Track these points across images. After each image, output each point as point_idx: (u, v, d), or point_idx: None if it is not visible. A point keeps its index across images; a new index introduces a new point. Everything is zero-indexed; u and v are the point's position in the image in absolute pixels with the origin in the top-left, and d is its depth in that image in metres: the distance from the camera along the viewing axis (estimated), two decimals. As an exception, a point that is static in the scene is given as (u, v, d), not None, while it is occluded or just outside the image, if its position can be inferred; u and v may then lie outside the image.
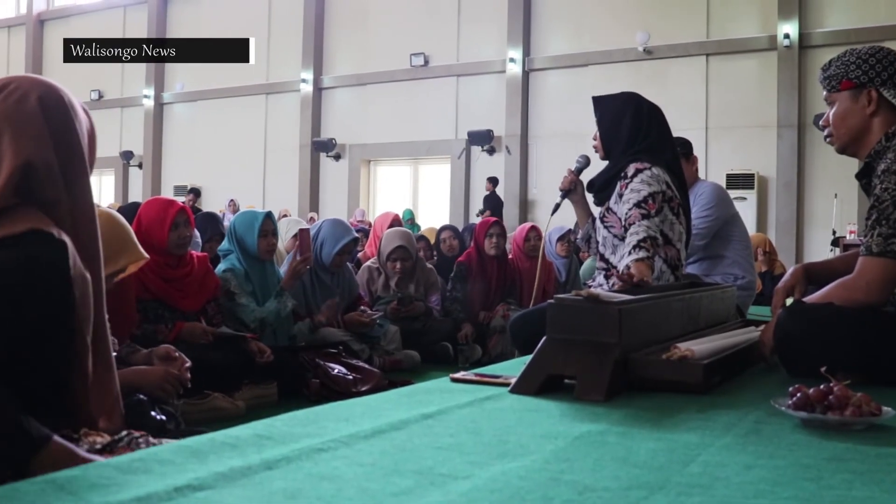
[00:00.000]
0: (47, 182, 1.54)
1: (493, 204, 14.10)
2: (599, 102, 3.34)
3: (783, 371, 2.33)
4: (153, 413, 2.44)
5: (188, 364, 2.67)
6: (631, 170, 3.07)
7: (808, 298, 2.42)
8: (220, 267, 4.56)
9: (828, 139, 2.59)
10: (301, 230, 4.89)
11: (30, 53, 21.64)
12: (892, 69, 2.42)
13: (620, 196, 3.08)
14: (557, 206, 3.47)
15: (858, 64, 2.44)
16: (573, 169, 3.46)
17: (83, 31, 20.61)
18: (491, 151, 15.01)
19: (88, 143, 1.66)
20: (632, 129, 3.19)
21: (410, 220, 12.89)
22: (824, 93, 2.55)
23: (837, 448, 1.50)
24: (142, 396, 2.41)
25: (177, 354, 2.68)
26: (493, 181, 14.49)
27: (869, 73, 2.43)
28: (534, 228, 6.33)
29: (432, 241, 7.98)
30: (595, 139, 3.32)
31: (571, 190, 3.42)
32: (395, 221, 6.89)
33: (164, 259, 3.98)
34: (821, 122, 2.62)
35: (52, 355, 1.50)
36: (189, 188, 17.04)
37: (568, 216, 3.54)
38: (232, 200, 15.51)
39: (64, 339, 1.51)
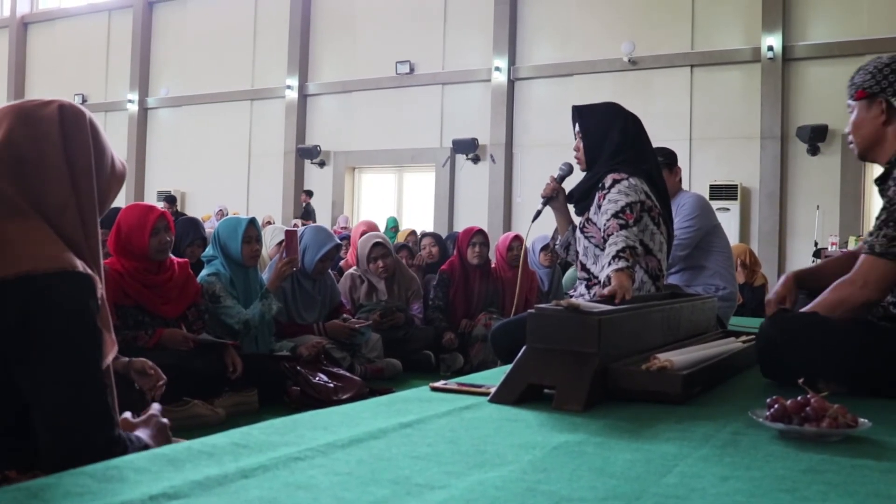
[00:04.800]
0: (52, 181, 1.54)
1: (306, 214, 14.98)
2: (582, 113, 3.32)
3: (762, 382, 2.34)
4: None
5: (163, 381, 2.66)
6: (608, 180, 3.08)
7: (809, 305, 2.43)
8: (205, 272, 4.54)
9: (850, 146, 2.61)
10: (287, 231, 4.89)
11: (13, 56, 21.49)
12: None
13: (599, 206, 3.08)
14: (538, 213, 3.48)
15: (873, 74, 2.47)
16: (556, 176, 3.46)
17: (68, 35, 20.55)
18: (475, 160, 15.02)
19: (96, 148, 1.66)
20: (619, 141, 3.19)
21: (394, 227, 12.86)
22: (848, 101, 2.58)
23: (813, 459, 1.51)
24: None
25: (152, 371, 2.66)
26: (309, 193, 15.70)
27: (882, 83, 2.45)
28: (517, 237, 6.33)
29: (402, 239, 7.99)
30: (576, 150, 3.30)
31: (553, 197, 3.42)
32: (370, 228, 6.87)
33: (145, 265, 3.95)
34: (845, 129, 2.64)
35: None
36: (165, 196, 16.78)
37: (548, 223, 3.54)
38: (220, 210, 15.42)
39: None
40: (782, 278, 2.73)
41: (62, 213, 1.54)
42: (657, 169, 3.25)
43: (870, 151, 2.54)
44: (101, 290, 1.54)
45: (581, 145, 3.28)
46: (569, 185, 3.41)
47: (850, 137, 2.58)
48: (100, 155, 1.64)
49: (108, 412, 1.51)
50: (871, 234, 2.37)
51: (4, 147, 1.53)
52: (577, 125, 3.31)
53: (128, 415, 1.72)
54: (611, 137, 3.20)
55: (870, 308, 2.37)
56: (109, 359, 1.55)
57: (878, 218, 2.36)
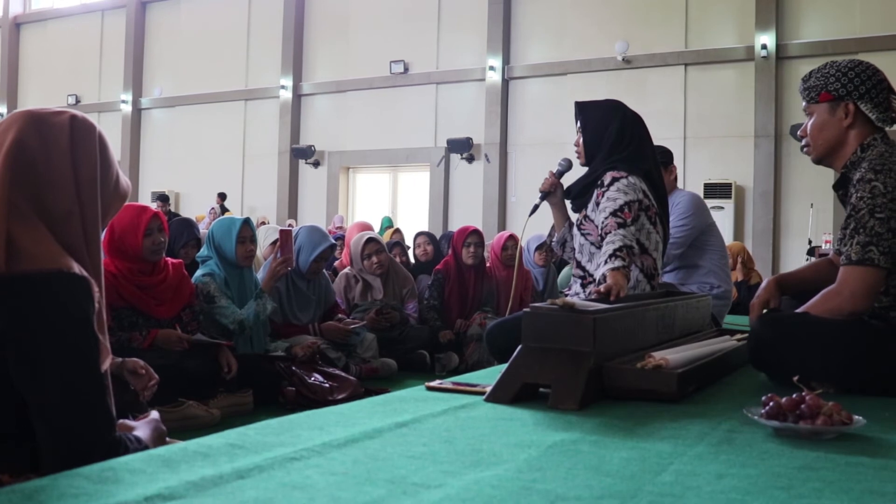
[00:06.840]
0: (58, 188, 1.54)
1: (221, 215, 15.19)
2: (584, 108, 3.33)
3: (757, 380, 2.34)
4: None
5: (154, 381, 2.66)
6: (607, 178, 3.08)
7: (800, 309, 2.42)
8: (199, 272, 4.53)
9: (805, 149, 2.60)
10: (282, 230, 4.87)
11: (5, 57, 21.43)
12: (870, 83, 2.45)
13: (597, 204, 3.08)
14: (536, 208, 3.47)
15: (838, 77, 2.47)
16: (555, 171, 3.46)
17: (61, 36, 20.50)
18: (470, 159, 15.03)
19: (102, 162, 1.67)
20: (616, 137, 3.19)
21: (389, 227, 12.85)
22: (803, 103, 2.57)
23: (808, 457, 1.51)
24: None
25: (143, 371, 2.66)
26: (223, 196, 16.20)
27: (847, 86, 2.46)
28: (512, 237, 6.32)
29: (388, 238, 8.00)
30: (577, 145, 3.32)
31: (551, 192, 3.42)
32: (364, 230, 6.86)
33: (139, 266, 3.94)
34: (798, 133, 2.64)
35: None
36: (158, 195, 16.77)
37: (543, 222, 3.54)
38: (213, 209, 15.41)
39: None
40: (764, 283, 2.73)
41: (65, 220, 1.55)
42: (657, 168, 3.26)
43: (829, 155, 2.54)
44: (97, 296, 1.53)
45: (581, 140, 3.29)
46: (567, 181, 3.41)
47: (806, 140, 2.56)
48: (105, 169, 1.66)
49: (108, 413, 1.51)
50: (842, 243, 2.37)
51: (14, 150, 1.54)
52: (578, 121, 3.33)
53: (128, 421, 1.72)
54: (608, 133, 3.21)
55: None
56: (105, 366, 1.54)
57: (844, 227, 2.36)
